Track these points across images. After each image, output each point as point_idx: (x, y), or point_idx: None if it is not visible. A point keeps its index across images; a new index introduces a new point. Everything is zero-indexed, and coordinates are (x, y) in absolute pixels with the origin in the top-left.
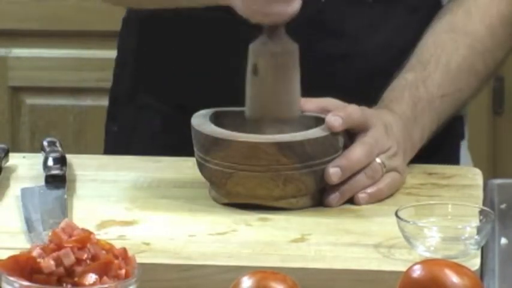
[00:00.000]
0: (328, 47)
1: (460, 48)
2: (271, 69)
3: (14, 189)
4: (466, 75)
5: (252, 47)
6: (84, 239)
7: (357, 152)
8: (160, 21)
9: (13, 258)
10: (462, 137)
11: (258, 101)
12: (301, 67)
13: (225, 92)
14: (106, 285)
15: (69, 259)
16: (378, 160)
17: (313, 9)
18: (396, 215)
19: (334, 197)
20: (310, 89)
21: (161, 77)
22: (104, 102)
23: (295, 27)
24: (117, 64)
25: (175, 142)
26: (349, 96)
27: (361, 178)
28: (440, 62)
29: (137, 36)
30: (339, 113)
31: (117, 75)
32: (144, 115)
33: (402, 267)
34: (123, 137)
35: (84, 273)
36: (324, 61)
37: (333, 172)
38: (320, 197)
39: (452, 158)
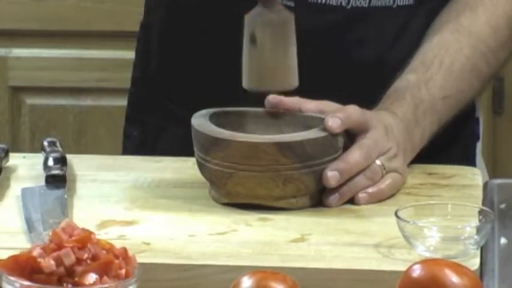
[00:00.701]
0: (353, 53)
1: (463, 48)
2: (270, 37)
3: (14, 189)
4: (469, 76)
5: (248, 18)
6: (85, 239)
7: (355, 155)
8: (180, 26)
9: (13, 258)
10: (478, 138)
11: (256, 71)
12: (325, 74)
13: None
14: (106, 285)
15: (69, 259)
16: (377, 162)
17: (338, 16)
18: (396, 215)
19: (333, 198)
20: (332, 96)
21: (185, 84)
22: (104, 102)
23: (320, 34)
24: (135, 68)
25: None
26: (371, 104)
27: (360, 179)
28: (443, 63)
29: (158, 41)
30: (338, 113)
31: (137, 80)
32: (171, 121)
33: (402, 267)
34: (146, 142)
35: (84, 273)
36: (349, 68)
37: (331, 176)
38: (320, 197)
39: (469, 159)
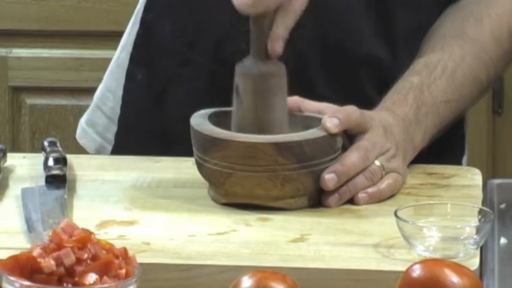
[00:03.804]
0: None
1: (466, 56)
2: (250, 90)
3: (14, 189)
4: (470, 84)
5: (236, 67)
6: (85, 239)
7: (353, 157)
8: None
9: (13, 258)
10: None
11: (238, 119)
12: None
13: None
14: (106, 285)
15: (69, 259)
16: (376, 163)
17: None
18: (395, 214)
19: (333, 199)
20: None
21: (211, 33)
22: None
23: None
24: (147, 9)
25: (220, 97)
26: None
27: (360, 180)
28: (447, 68)
29: None
30: (336, 114)
31: (150, 21)
32: (187, 68)
33: (401, 267)
34: (154, 87)
35: (84, 273)
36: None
37: (329, 178)
38: (318, 197)
39: (457, 157)
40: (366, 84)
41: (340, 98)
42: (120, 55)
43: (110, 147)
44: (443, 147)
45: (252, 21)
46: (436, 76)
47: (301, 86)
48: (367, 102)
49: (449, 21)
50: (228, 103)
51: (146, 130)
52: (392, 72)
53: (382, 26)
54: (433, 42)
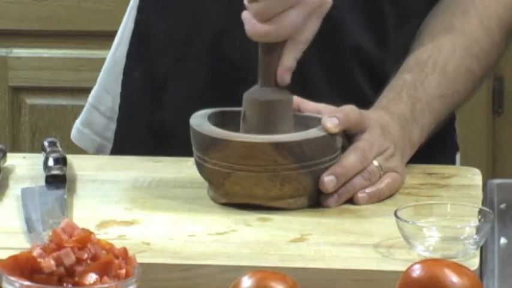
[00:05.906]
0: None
1: (457, 49)
2: (256, 117)
3: (14, 189)
4: (463, 78)
5: (244, 94)
6: (85, 239)
7: (351, 158)
8: None
9: (13, 258)
10: (457, 148)
11: None
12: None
13: None
14: (106, 285)
15: (69, 259)
16: (375, 163)
17: None
18: (395, 215)
19: (332, 199)
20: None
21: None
22: None
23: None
24: (140, 10)
25: (219, 96)
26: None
27: (358, 180)
28: (437, 63)
29: None
30: (336, 113)
31: (147, 21)
32: (183, 65)
33: (401, 267)
34: (152, 83)
35: (84, 273)
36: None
37: (328, 180)
38: (318, 197)
39: (450, 153)
40: (357, 75)
41: (333, 89)
42: (115, 54)
43: (110, 146)
44: (435, 144)
45: (262, 50)
46: (427, 72)
47: (296, 79)
48: (359, 94)
49: (436, 17)
50: (226, 99)
51: (145, 125)
52: (383, 64)
53: (370, 16)
54: (422, 39)
